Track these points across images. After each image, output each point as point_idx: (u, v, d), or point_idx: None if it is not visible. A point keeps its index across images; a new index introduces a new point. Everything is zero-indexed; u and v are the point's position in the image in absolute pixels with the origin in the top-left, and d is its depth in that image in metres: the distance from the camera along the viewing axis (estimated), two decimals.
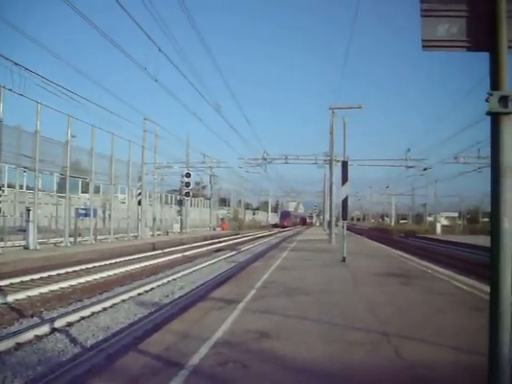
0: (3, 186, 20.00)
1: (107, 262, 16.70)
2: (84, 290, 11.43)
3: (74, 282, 12.08)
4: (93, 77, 22.60)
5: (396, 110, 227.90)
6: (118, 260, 17.65)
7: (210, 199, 56.62)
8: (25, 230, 19.90)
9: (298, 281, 10.68)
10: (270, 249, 26.16)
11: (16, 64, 16.33)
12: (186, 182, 38.70)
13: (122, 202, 34.83)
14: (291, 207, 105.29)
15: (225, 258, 21.07)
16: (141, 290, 11.45)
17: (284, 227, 76.05)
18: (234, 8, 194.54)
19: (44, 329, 7.33)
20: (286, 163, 33.10)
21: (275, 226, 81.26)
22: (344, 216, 16.80)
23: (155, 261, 17.95)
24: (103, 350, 6.40)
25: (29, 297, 10.13)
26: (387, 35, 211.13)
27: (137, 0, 13.60)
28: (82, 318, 8.35)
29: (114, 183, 27.69)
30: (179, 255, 21.03)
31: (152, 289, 11.96)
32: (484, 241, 24.46)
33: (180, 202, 42.41)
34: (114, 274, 14.14)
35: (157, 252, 22.03)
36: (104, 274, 13.72)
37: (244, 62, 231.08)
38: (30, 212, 19.27)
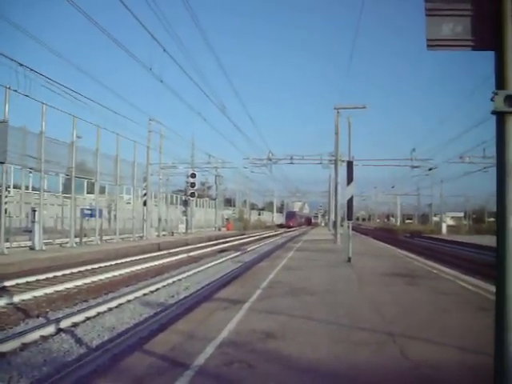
0: (9, 187, 20.18)
1: (113, 263, 16.76)
2: (89, 290, 11.46)
3: (79, 283, 12.11)
4: (96, 77, 22.73)
5: (400, 110, 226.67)
6: (123, 260, 17.69)
7: (215, 199, 56.72)
8: (30, 231, 19.99)
9: (303, 281, 10.68)
10: (276, 249, 26.16)
11: (21, 65, 16.41)
12: (191, 183, 38.75)
13: (128, 203, 34.95)
14: (296, 207, 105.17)
15: (230, 259, 21.09)
16: (146, 291, 11.47)
17: (289, 227, 76.11)
18: (237, 7, 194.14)
19: (50, 329, 7.36)
20: (291, 163, 33.15)
21: (281, 226, 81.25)
22: (349, 216, 16.79)
23: (160, 261, 17.99)
24: (109, 351, 6.41)
25: (34, 297, 10.17)
26: (390, 36, 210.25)
27: None
28: (88, 319, 8.37)
29: (119, 184, 27.74)
30: (184, 255, 21.06)
31: (157, 289, 11.98)
32: (490, 241, 24.25)
33: (185, 203, 42.44)
34: (120, 275, 14.18)
35: (162, 252, 22.07)
36: (109, 275, 13.75)
37: (248, 61, 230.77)
38: (36, 213, 19.38)
